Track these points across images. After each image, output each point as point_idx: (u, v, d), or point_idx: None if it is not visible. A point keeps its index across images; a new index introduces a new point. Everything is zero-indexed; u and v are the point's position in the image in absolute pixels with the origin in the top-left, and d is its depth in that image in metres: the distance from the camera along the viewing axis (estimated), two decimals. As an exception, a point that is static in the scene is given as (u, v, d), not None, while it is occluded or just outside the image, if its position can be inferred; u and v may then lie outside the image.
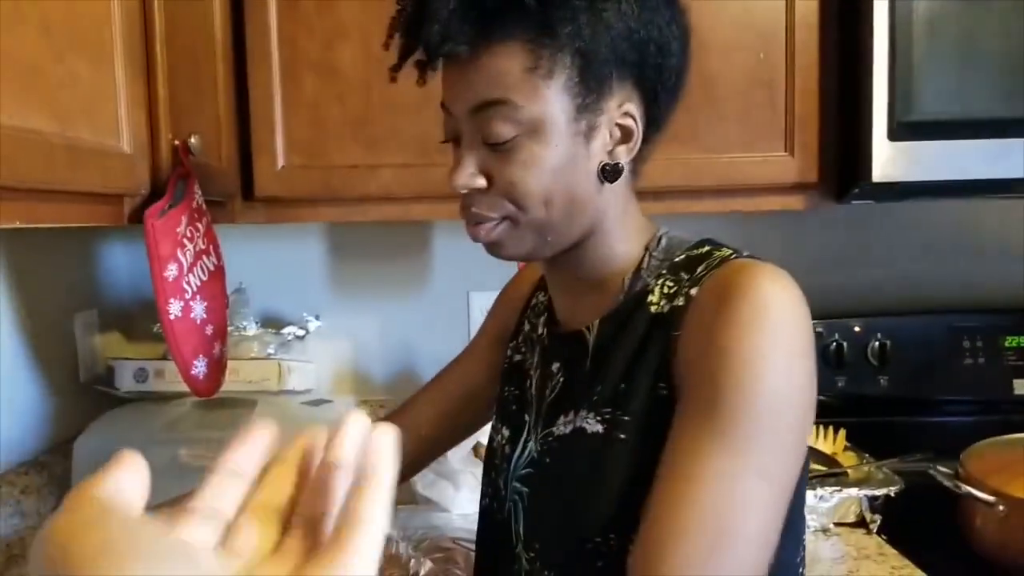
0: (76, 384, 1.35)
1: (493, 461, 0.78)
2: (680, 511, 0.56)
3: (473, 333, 1.62)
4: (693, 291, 0.64)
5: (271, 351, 1.41)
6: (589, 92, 0.63)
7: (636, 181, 0.72)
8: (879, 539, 1.16)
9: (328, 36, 1.24)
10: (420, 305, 1.63)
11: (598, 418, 0.66)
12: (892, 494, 1.18)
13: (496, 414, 0.82)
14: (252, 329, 1.42)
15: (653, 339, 0.65)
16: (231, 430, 1.13)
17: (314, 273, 1.62)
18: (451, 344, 1.64)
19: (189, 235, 0.96)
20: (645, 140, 0.68)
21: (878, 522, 1.17)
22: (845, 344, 1.44)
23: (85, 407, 1.34)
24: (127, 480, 0.27)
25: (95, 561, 0.23)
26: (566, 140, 0.64)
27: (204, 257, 1.01)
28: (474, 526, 1.15)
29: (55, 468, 1.22)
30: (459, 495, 1.20)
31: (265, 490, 0.29)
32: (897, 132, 1.13)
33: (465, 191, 0.66)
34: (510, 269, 1.41)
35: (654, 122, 0.68)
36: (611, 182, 0.66)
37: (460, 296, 1.63)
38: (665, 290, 0.66)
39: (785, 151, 1.21)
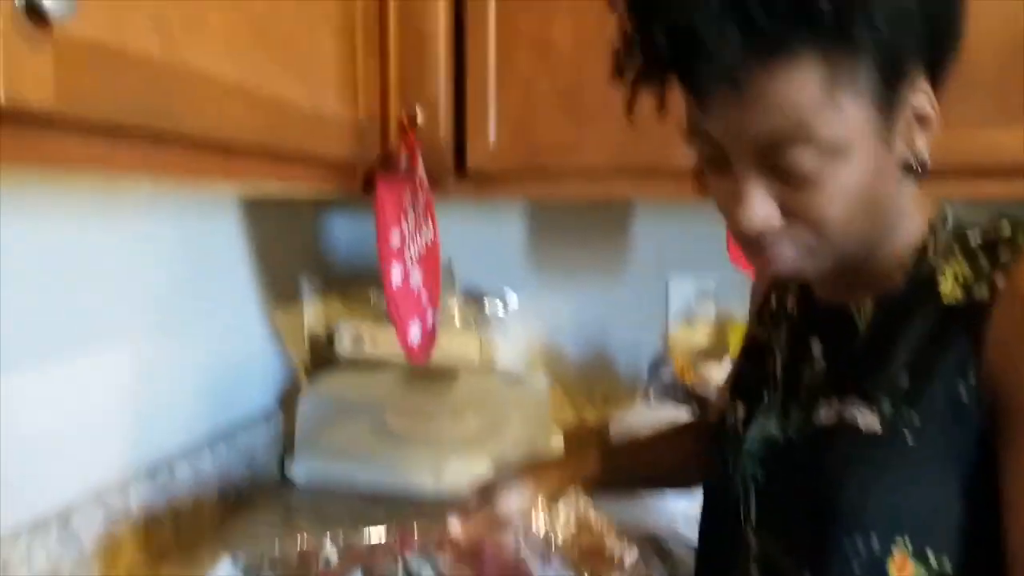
0: (301, 345, 1.46)
1: (723, 440, 0.74)
2: None
3: (672, 318, 1.59)
4: (1000, 282, 0.56)
5: (472, 326, 1.44)
6: (892, 89, 0.54)
7: None
8: None
9: (543, 13, 1.24)
10: (618, 288, 1.60)
11: (876, 414, 0.59)
12: None
13: (730, 392, 0.77)
14: (456, 303, 1.47)
15: (949, 334, 0.57)
16: (435, 399, 1.18)
17: (514, 251, 1.64)
18: (648, 329, 1.61)
19: (412, 205, 1.00)
20: None
21: None
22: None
23: (307, 367, 1.45)
24: None
25: None
26: (872, 151, 0.55)
27: (423, 227, 1.05)
28: (672, 521, 1.13)
29: (280, 422, 1.32)
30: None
31: None
32: None
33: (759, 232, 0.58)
34: (713, 255, 1.36)
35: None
36: (922, 178, 0.60)
37: (659, 280, 1.59)
38: (960, 278, 0.59)
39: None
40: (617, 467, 0.93)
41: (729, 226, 0.60)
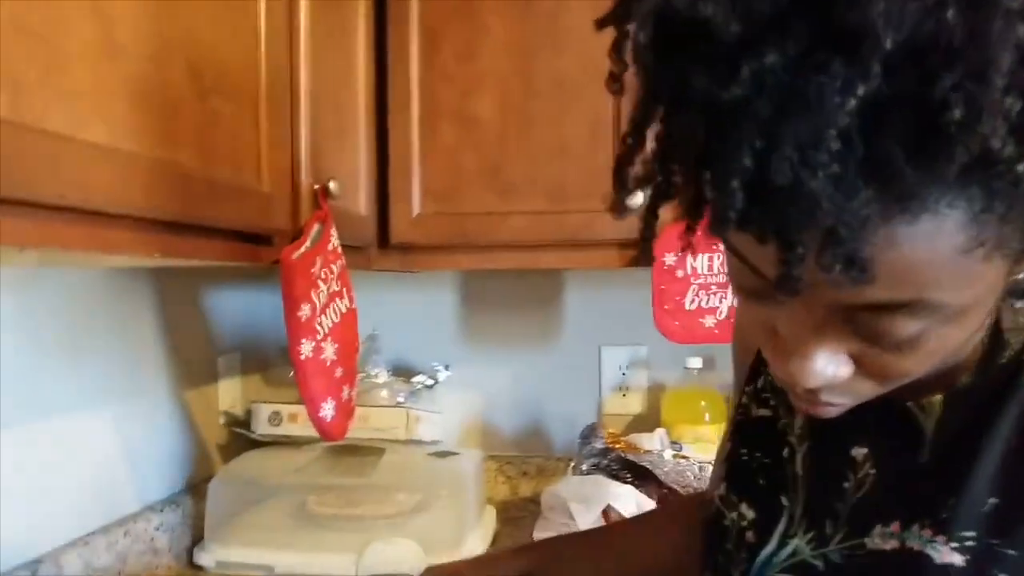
0: (215, 425, 1.39)
1: (723, 544, 0.61)
2: None
3: (605, 389, 1.56)
4: None
5: (400, 399, 1.40)
6: None
7: None
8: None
9: (466, 86, 1.25)
10: (550, 358, 1.58)
11: (953, 544, 0.49)
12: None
13: (726, 477, 0.64)
14: (383, 376, 1.42)
15: None
16: (358, 478, 1.12)
17: (445, 323, 1.61)
18: (581, 399, 1.58)
19: (323, 277, 0.97)
20: None
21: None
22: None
23: (222, 448, 1.38)
24: None
25: None
26: (991, 302, 0.43)
27: (337, 299, 1.01)
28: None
29: (190, 507, 1.25)
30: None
31: None
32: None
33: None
34: (645, 323, 1.35)
35: None
36: (1019, 300, 0.51)
37: (591, 350, 1.57)
38: None
39: None
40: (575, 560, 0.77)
41: (772, 367, 0.47)
